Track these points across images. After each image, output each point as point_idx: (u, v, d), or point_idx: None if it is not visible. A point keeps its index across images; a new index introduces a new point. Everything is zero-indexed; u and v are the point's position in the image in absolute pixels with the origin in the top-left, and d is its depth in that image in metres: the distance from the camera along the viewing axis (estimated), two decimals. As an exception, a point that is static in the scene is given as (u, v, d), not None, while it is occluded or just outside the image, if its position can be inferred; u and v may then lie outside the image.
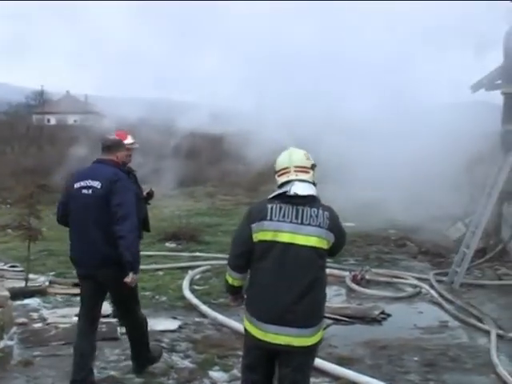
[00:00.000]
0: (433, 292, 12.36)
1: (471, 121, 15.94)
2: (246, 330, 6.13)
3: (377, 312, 11.04)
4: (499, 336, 9.86)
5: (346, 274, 13.33)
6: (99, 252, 7.42)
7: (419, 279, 13.27)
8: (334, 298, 12.30)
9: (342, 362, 8.80)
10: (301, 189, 5.91)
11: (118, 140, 7.99)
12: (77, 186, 7.60)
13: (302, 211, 5.86)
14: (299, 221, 5.84)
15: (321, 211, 5.91)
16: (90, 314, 7.78)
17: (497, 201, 13.54)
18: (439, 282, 13.04)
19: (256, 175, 26.09)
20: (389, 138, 16.89)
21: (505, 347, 9.58)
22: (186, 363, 8.66)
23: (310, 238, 5.84)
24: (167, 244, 16.37)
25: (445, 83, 16.51)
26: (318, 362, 8.26)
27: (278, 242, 5.85)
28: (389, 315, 11.09)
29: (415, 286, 12.82)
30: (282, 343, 5.85)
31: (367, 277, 13.17)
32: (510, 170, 13.53)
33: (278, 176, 6.06)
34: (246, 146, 21.00)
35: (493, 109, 14.18)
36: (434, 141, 15.81)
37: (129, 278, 7.28)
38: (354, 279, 13.00)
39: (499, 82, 14.53)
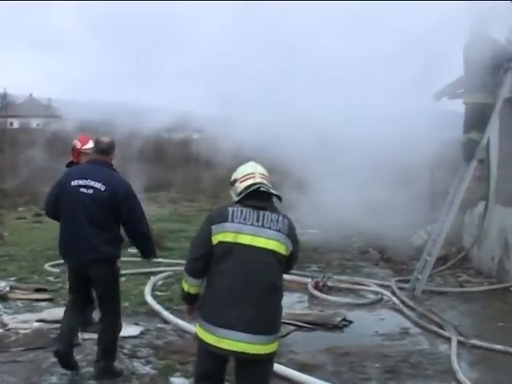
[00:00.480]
0: (394, 299, 12.41)
1: (435, 129, 16.08)
2: (198, 337, 6.04)
3: (338, 319, 11.07)
4: (460, 343, 9.92)
5: (309, 280, 13.34)
6: (94, 249, 7.79)
7: (381, 286, 13.33)
8: (296, 305, 12.32)
9: (303, 368, 8.81)
10: (266, 188, 6.02)
11: (112, 142, 8.26)
12: (74, 183, 7.88)
13: (263, 215, 5.92)
14: (260, 224, 5.89)
15: (281, 217, 5.99)
16: (78, 299, 8.21)
17: (458, 209, 13.63)
18: (401, 288, 13.10)
19: (220, 181, 26.08)
20: (352, 146, 16.95)
21: (465, 354, 9.65)
22: (148, 369, 8.63)
23: (270, 241, 5.89)
24: (129, 250, 16.24)
25: (409, 90, 16.56)
26: (280, 368, 8.26)
27: (238, 244, 5.87)
28: (350, 322, 11.13)
29: (377, 293, 12.87)
30: (238, 350, 5.79)
31: (329, 284, 13.20)
32: (472, 179, 13.66)
33: (241, 182, 6.08)
34: (212, 152, 20.98)
35: (458, 117, 14.27)
36: (397, 148, 15.90)
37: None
38: (316, 286, 13.02)
39: (461, 91, 14.66)
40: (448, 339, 10.12)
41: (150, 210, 24.35)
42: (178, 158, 31.35)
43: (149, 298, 11.77)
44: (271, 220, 5.91)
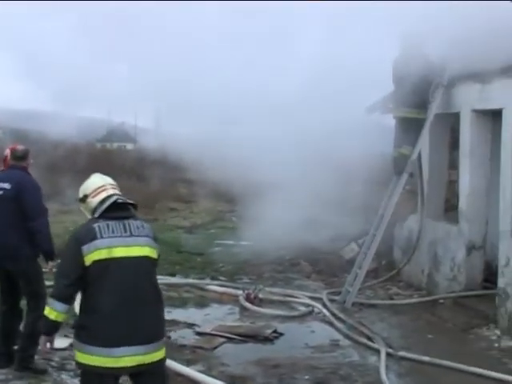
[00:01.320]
0: (325, 311, 12.48)
1: (368, 142, 16.24)
2: (83, 365, 5.73)
3: (269, 331, 11.08)
4: (389, 354, 10.02)
5: (240, 292, 13.34)
6: (11, 246, 8.40)
7: (312, 298, 13.38)
8: (228, 317, 12.33)
9: (233, 380, 8.83)
10: (123, 199, 5.96)
11: (27, 150, 8.97)
12: None
13: (129, 224, 5.84)
14: (128, 233, 5.80)
15: (144, 223, 5.99)
16: (9, 300, 8.84)
17: (389, 222, 13.78)
18: (332, 301, 13.17)
19: (153, 193, 26.01)
20: (286, 159, 17.03)
21: (394, 365, 9.76)
22: (76, 382, 8.49)
23: (143, 248, 5.83)
24: (59, 261, 16.03)
25: (343, 103, 16.71)
26: (210, 381, 8.25)
27: (113, 259, 5.70)
28: (281, 334, 11.16)
29: (308, 305, 12.92)
30: (136, 364, 5.64)
31: (261, 296, 13.21)
32: (403, 193, 13.84)
33: (94, 196, 5.95)
34: (145, 162, 20.90)
35: (391, 131, 14.43)
36: (330, 161, 16.02)
37: (49, 266, 8.59)
38: (248, 298, 13.01)
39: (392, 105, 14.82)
40: (377, 351, 10.22)
41: (82, 219, 24.23)
42: (114, 169, 31.06)
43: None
44: (137, 227, 5.85)
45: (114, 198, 5.89)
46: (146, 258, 5.83)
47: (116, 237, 5.73)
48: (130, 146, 54.50)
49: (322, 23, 16.83)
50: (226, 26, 17.96)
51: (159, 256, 6.03)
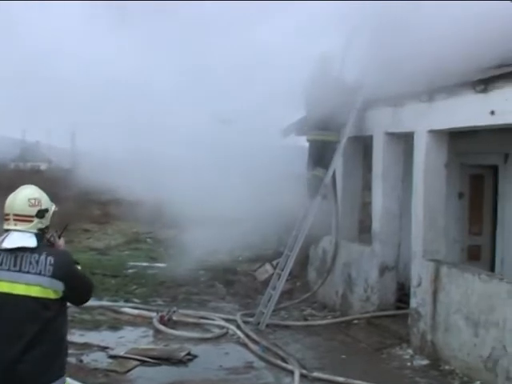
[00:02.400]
0: (239, 333, 12.45)
1: (282, 164, 16.31)
2: None
3: (183, 353, 11.01)
4: (303, 375, 10.05)
5: (154, 315, 13.23)
6: None
7: (226, 320, 13.34)
8: (141, 340, 12.20)
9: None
10: (12, 241, 5.38)
11: None
12: None
13: (22, 258, 5.31)
14: (18, 268, 5.30)
15: (43, 257, 5.33)
16: None
17: (303, 243, 13.86)
18: (246, 322, 13.15)
19: (67, 214, 25.57)
20: (204, 180, 16.98)
21: (308, 386, 9.80)
22: None
23: (30, 287, 5.27)
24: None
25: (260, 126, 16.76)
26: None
27: None
28: (195, 356, 11.09)
29: (222, 327, 12.88)
30: None
31: (174, 318, 13.12)
32: (317, 214, 13.93)
33: (4, 220, 5.50)
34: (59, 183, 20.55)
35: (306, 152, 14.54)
36: (245, 183, 16.03)
37: None
38: (161, 320, 12.91)
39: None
40: (291, 372, 10.23)
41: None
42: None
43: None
44: (30, 263, 5.29)
45: (5, 235, 5.40)
46: (34, 299, 5.25)
47: (3, 270, 5.30)
48: (44, 166, 53.76)
49: (242, 51, 16.80)
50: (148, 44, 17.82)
51: (73, 290, 5.41)
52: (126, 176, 17.02)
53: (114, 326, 13.04)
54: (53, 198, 5.70)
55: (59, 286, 5.32)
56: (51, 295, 5.30)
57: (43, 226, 5.54)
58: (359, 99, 13.47)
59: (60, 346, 5.45)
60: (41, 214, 5.49)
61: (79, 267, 5.58)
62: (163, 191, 17.12)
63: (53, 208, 5.64)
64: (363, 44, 13.80)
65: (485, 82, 9.72)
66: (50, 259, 5.32)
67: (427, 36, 11.99)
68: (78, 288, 5.51)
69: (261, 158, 16.36)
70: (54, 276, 5.30)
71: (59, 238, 5.78)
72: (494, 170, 13.31)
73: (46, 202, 5.58)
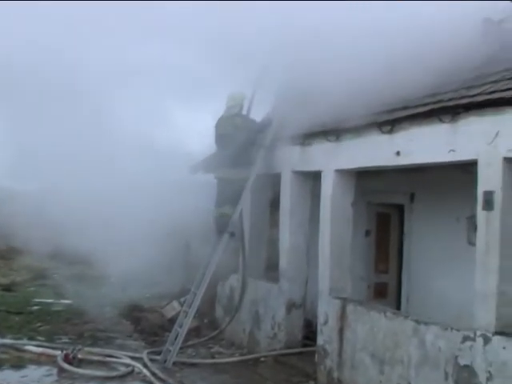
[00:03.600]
0: (145, 371, 12.28)
1: (191, 200, 16.27)
2: None
3: (88, 392, 10.82)
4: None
5: (58, 353, 12.95)
6: None
7: (133, 358, 13.15)
8: (45, 378, 11.94)
9: None
10: None
11: None
12: None
13: None
14: None
15: None
16: None
17: (211, 281, 13.82)
18: (153, 360, 12.99)
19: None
20: (111, 216, 16.80)
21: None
22: None
23: None
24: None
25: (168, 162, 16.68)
26: None
27: None
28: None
29: (128, 365, 12.69)
30: None
31: (80, 356, 12.87)
32: (225, 251, 13.93)
33: None
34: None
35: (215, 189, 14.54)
36: (153, 218, 15.93)
37: None
38: (66, 358, 12.63)
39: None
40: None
41: None
42: None
43: None
44: None
45: None
46: None
47: None
48: None
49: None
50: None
51: None
52: (33, 211, 16.72)
53: (17, 365, 12.69)
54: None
55: None
56: None
57: None
58: (268, 137, 13.58)
59: None
60: None
61: None
62: (72, 227, 16.89)
63: None
64: (272, 82, 13.97)
65: (391, 123, 9.95)
66: None
67: (336, 76, 12.22)
68: None
69: (170, 195, 16.30)
70: None
71: None
72: (400, 208, 13.57)
73: None
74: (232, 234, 13.80)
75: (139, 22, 13.69)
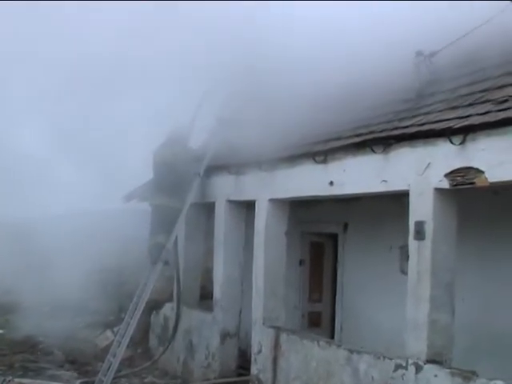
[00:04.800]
0: (77, 402, 12.15)
1: (126, 228, 16.16)
2: None
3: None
4: None
5: (-13, 384, 12.71)
6: None
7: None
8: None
9: None
10: None
11: None
12: None
13: None
14: None
15: None
16: None
17: (145, 310, 13.71)
18: (85, 391, 12.84)
19: None
20: (42, 243, 16.61)
21: None
22: None
23: None
24: None
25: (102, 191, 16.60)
26: None
27: None
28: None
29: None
30: None
31: (10, 387, 12.66)
32: (161, 280, 13.86)
33: None
34: None
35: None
36: (85, 247, 15.79)
37: None
38: (-4, 390, 12.42)
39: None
40: None
41: None
42: None
43: None
44: None
45: None
46: None
47: None
48: None
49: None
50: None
51: None
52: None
53: None
54: None
55: None
56: None
57: None
58: (203, 166, 13.60)
59: None
60: None
61: None
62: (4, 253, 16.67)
63: None
64: (209, 112, 14.04)
65: (324, 153, 10.02)
66: None
67: (271, 107, 12.35)
68: None
69: (103, 224, 16.21)
70: None
71: None
72: (334, 238, 13.67)
73: None
74: (166, 263, 13.72)
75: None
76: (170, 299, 14.98)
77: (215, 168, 13.40)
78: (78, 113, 16.46)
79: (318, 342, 10.32)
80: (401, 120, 9.17)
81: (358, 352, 9.39)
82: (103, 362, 13.77)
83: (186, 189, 13.61)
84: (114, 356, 13.27)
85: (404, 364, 8.45)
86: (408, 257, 8.58)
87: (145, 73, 13.57)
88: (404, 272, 10.02)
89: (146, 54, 12.96)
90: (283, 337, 11.11)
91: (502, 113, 7.15)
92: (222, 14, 11.75)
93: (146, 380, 14.26)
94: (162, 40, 12.59)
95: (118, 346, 13.37)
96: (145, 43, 12.89)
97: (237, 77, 12.47)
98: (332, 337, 13.12)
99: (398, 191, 8.79)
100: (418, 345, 8.24)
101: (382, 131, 9.13)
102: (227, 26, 11.72)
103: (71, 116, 16.48)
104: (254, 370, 11.84)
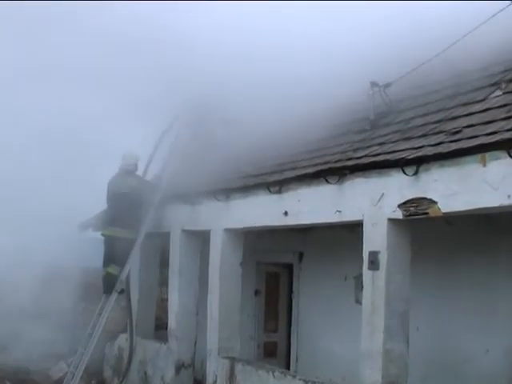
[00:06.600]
0: None
1: (80, 257, 16.00)
2: None
3: None
4: None
5: None
6: None
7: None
8: None
9: None
10: None
11: None
12: None
13: None
14: None
15: None
16: None
17: (99, 341, 13.58)
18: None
19: None
20: None
21: None
22: None
23: None
24: None
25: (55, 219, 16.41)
26: None
27: None
28: None
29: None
30: None
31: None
32: (116, 310, 13.74)
33: None
34: None
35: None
36: (38, 277, 15.59)
37: None
38: None
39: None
40: None
41: None
42: None
43: None
44: None
45: None
46: None
47: None
48: None
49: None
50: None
51: None
52: None
53: None
54: None
55: None
56: None
57: None
58: (158, 196, 13.55)
59: None
60: None
61: None
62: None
63: None
64: (166, 141, 14.05)
65: (279, 183, 10.03)
66: None
67: (225, 136, 12.39)
68: None
69: (58, 253, 16.02)
70: None
71: None
72: (290, 268, 13.69)
73: None
74: (121, 292, 13.62)
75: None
76: (125, 330, 14.84)
77: (170, 197, 13.35)
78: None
79: (273, 372, 10.26)
80: (355, 150, 9.23)
81: (314, 382, 9.35)
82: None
83: (140, 219, 13.55)
84: (68, 388, 13.13)
85: (359, 394, 8.45)
86: (362, 287, 8.61)
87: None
88: (359, 302, 10.02)
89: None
90: (238, 367, 11.04)
91: (454, 144, 7.22)
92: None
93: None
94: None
95: (72, 378, 13.22)
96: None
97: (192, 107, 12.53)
98: (288, 367, 13.09)
99: (353, 221, 8.83)
100: (373, 374, 8.24)
101: (336, 161, 9.17)
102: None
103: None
104: (208, 401, 11.76)
